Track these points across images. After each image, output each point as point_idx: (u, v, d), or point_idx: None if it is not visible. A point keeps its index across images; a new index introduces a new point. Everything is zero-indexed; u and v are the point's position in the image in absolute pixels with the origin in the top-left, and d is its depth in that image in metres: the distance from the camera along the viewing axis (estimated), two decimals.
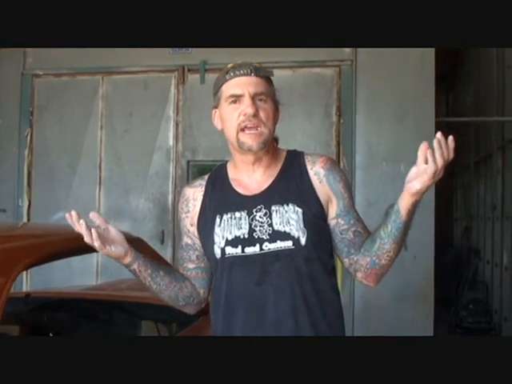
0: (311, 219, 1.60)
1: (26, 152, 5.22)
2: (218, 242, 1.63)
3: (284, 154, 1.71)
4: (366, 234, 1.61)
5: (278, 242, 1.59)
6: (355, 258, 1.61)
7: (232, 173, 1.72)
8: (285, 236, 1.59)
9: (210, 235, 1.66)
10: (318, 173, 1.65)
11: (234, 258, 1.61)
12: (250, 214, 1.63)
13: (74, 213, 1.49)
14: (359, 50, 4.70)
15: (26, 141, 5.22)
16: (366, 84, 4.74)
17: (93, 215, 1.54)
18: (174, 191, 5.02)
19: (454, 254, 8.34)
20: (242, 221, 1.63)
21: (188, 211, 1.74)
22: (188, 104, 5.01)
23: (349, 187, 1.67)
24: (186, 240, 1.74)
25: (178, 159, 5.04)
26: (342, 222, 1.63)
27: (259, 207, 1.63)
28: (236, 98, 1.59)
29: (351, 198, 1.66)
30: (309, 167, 1.66)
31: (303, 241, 1.58)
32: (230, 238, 1.62)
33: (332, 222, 1.62)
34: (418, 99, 4.64)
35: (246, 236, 1.61)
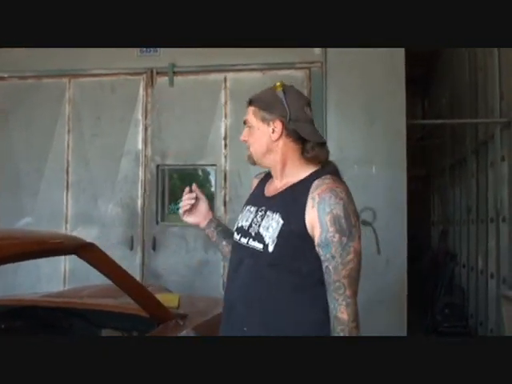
0: (286, 233, 1.74)
1: None
2: (235, 226, 1.95)
3: (308, 172, 1.83)
4: (335, 276, 1.69)
5: (256, 242, 1.80)
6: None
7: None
8: (260, 239, 1.79)
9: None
10: (313, 198, 1.73)
11: (235, 243, 1.92)
12: (256, 211, 1.88)
13: (194, 186, 2.06)
14: (329, 51, 4.66)
15: None
16: (337, 86, 4.69)
17: (194, 188, 2.05)
18: (143, 196, 4.93)
19: (431, 257, 8.33)
20: (251, 215, 1.89)
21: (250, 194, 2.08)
22: (157, 107, 4.93)
23: (338, 223, 1.69)
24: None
25: (147, 163, 4.95)
26: (321, 252, 1.71)
27: (263, 208, 1.86)
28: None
29: (340, 232, 1.69)
30: (311, 190, 1.75)
31: (271, 248, 1.75)
32: (239, 225, 1.92)
33: (317, 250, 1.72)
34: (389, 101, 4.61)
35: (246, 228, 1.88)
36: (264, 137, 1.82)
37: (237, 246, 1.89)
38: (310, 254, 1.72)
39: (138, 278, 4.78)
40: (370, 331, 4.31)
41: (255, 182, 2.04)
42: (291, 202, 1.77)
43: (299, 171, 1.83)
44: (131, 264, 4.72)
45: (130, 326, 2.73)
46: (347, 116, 4.68)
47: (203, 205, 2.09)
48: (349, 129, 4.67)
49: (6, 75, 5.11)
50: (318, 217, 1.70)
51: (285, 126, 1.81)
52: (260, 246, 1.78)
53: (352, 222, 1.70)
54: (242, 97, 1.80)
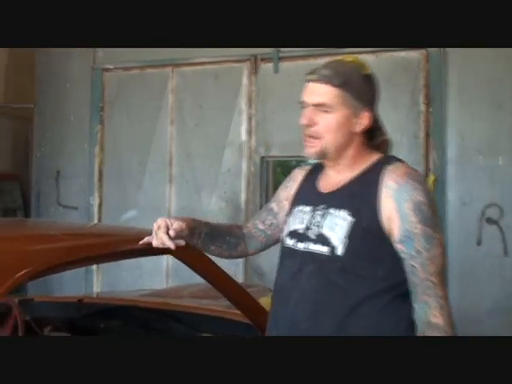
0: (359, 231, 1.52)
1: (97, 149, 5.10)
2: (285, 230, 1.70)
3: (374, 160, 1.63)
4: (422, 275, 1.48)
5: (318, 245, 1.58)
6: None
7: (326, 168, 1.72)
8: (325, 241, 1.57)
9: (285, 222, 1.73)
10: (388, 186, 1.53)
11: (289, 249, 1.67)
12: (313, 210, 1.64)
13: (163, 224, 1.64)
14: None
15: (97, 137, 5.10)
16: (457, 66, 4.21)
17: (174, 232, 1.63)
18: (246, 190, 4.72)
19: None
20: (306, 216, 1.65)
21: (287, 187, 1.83)
22: (261, 95, 4.69)
23: (420, 210, 1.49)
24: (273, 206, 1.85)
25: (251, 155, 4.72)
26: (402, 249, 1.50)
27: (322, 206, 1.62)
28: (303, 105, 1.61)
29: (423, 222, 1.49)
30: (383, 177, 1.55)
31: (340, 250, 1.53)
32: (291, 229, 1.67)
33: (396, 247, 1.51)
34: None
35: (301, 231, 1.63)
36: (346, 127, 1.58)
37: (291, 252, 1.65)
38: (388, 254, 1.51)
39: (240, 276, 4.60)
40: None
41: (297, 177, 1.80)
42: (360, 196, 1.56)
43: (364, 161, 1.63)
44: (234, 261, 4.53)
45: (230, 332, 2.52)
46: (469, 99, 4.19)
47: (180, 230, 1.66)
48: (472, 115, 4.18)
49: (111, 66, 5.08)
50: (395, 207, 1.50)
51: (371, 116, 1.61)
52: (325, 249, 1.55)
53: (435, 210, 1.52)
54: None
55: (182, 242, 1.65)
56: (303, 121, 1.57)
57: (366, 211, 1.52)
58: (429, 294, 1.47)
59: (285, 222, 1.73)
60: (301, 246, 1.61)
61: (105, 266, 4.70)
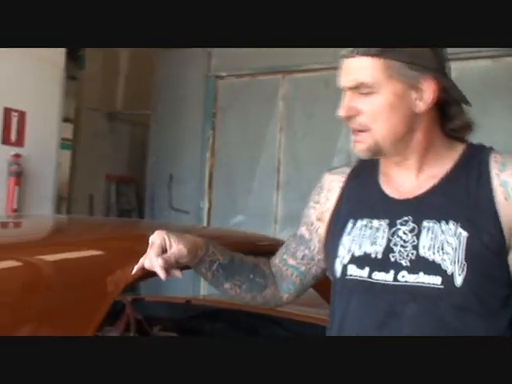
0: (479, 250, 1.12)
1: (208, 154, 5.22)
2: (342, 256, 1.24)
3: (461, 149, 1.23)
4: None
5: (421, 274, 1.14)
6: None
7: (384, 164, 1.27)
8: (433, 268, 1.13)
9: (336, 245, 1.26)
10: (506, 183, 1.15)
11: (358, 282, 1.20)
12: (392, 225, 1.20)
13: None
14: None
15: (209, 143, 5.22)
16: None
17: (162, 262, 1.19)
18: None
19: None
20: (380, 233, 1.21)
21: (318, 202, 1.37)
22: None
23: None
24: (304, 232, 1.38)
25: None
26: None
27: (406, 219, 1.19)
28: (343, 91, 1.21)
29: None
30: (494, 172, 1.17)
31: (459, 280, 1.11)
32: (357, 253, 1.22)
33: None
34: None
35: (380, 256, 1.19)
36: (402, 107, 1.16)
37: (366, 288, 1.19)
38: (503, 276, 1.14)
39: None
40: None
41: (333, 186, 1.35)
42: (466, 200, 1.16)
43: (444, 153, 1.22)
44: None
45: None
46: None
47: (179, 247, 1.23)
48: None
49: (224, 74, 5.20)
50: None
51: (438, 87, 1.16)
52: (435, 279, 1.12)
53: None
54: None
55: (178, 274, 1.23)
56: (340, 112, 1.19)
57: (483, 221, 1.14)
58: None
59: (327, 246, 1.31)
60: (381, 276, 1.17)
61: None
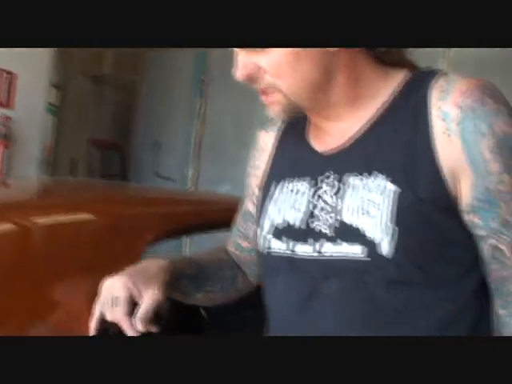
0: (414, 208, 0.88)
1: (197, 122, 5.18)
2: (265, 227, 1.02)
3: (401, 78, 0.96)
4: None
5: (345, 244, 0.91)
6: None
7: (312, 116, 1.03)
8: (356, 236, 0.90)
9: (261, 215, 1.04)
10: (446, 115, 0.88)
11: (281, 258, 0.99)
12: (314, 185, 0.98)
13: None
14: None
15: (200, 111, 5.18)
16: None
17: (142, 324, 0.97)
18: None
19: None
20: (302, 197, 0.98)
21: (255, 167, 1.15)
22: None
23: (507, 147, 0.86)
24: (249, 206, 1.18)
25: None
26: (479, 222, 0.88)
27: (329, 175, 0.96)
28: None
29: None
30: (433, 102, 0.89)
31: (388, 248, 0.87)
32: (279, 223, 1.00)
33: (466, 220, 0.90)
34: None
35: (301, 224, 0.96)
36: (307, 51, 0.91)
37: (287, 264, 0.98)
38: (458, 237, 0.90)
39: None
40: None
41: (266, 144, 1.13)
42: (399, 144, 0.91)
43: (380, 87, 0.96)
44: None
45: None
46: None
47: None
48: None
49: None
50: (463, 150, 0.86)
51: None
52: (357, 249, 0.89)
53: None
54: None
55: (154, 329, 0.98)
56: (237, 75, 0.96)
57: (418, 170, 0.88)
58: None
59: (259, 218, 1.07)
60: (303, 249, 0.95)
61: (196, 237, 4.81)
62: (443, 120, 0.88)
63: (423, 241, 0.89)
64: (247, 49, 0.94)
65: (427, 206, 0.88)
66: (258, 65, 0.94)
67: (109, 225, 1.38)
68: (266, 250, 1.02)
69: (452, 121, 0.87)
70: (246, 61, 0.95)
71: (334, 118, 0.99)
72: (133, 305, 0.97)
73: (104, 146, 5.81)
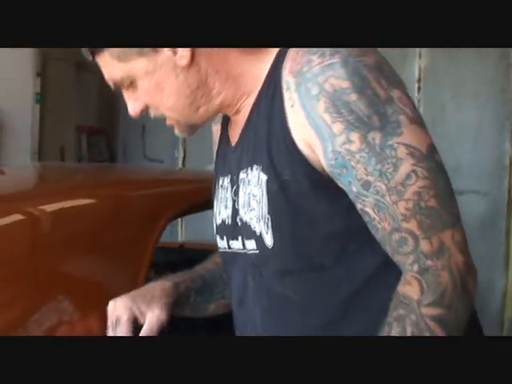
0: (281, 193, 0.86)
1: None
2: (214, 227, 1.05)
3: (269, 63, 0.93)
4: (386, 224, 0.81)
5: (245, 240, 0.95)
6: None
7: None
8: (248, 230, 0.93)
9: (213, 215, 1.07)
10: (289, 85, 0.85)
11: (226, 255, 1.03)
12: (231, 181, 0.99)
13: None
14: None
15: None
16: None
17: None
18: None
19: None
20: (227, 194, 1.00)
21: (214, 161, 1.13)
22: None
23: (344, 104, 0.80)
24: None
25: None
26: (344, 188, 0.85)
27: (234, 171, 1.00)
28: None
29: (356, 124, 0.80)
30: (283, 76, 0.87)
31: (269, 239, 0.88)
32: (218, 222, 1.03)
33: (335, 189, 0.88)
34: None
35: (230, 221, 0.99)
36: (167, 76, 0.93)
37: (233, 258, 1.01)
38: (339, 212, 0.87)
39: None
40: None
41: (216, 134, 1.14)
42: (264, 130, 0.90)
43: (253, 78, 0.95)
44: None
45: None
46: None
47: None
48: None
49: None
50: (306, 116, 0.83)
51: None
52: (253, 243, 0.92)
53: (380, 92, 0.80)
54: None
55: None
56: (132, 114, 1.01)
57: (278, 153, 0.86)
58: (405, 253, 0.81)
59: None
60: (237, 245, 0.98)
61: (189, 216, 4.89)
62: (287, 91, 0.86)
63: (296, 226, 0.86)
64: (123, 88, 0.98)
65: (294, 188, 0.85)
66: (140, 101, 0.98)
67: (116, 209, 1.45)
68: (219, 250, 1.05)
69: (292, 90, 0.85)
70: (131, 100, 0.99)
71: (233, 112, 0.99)
72: (136, 325, 1.00)
73: (91, 131, 5.84)
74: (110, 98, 5.82)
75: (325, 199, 0.86)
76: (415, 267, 0.79)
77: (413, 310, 0.78)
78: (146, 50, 0.92)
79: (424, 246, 0.80)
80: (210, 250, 2.90)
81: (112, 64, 0.95)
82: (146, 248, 1.29)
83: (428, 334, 0.78)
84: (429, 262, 0.79)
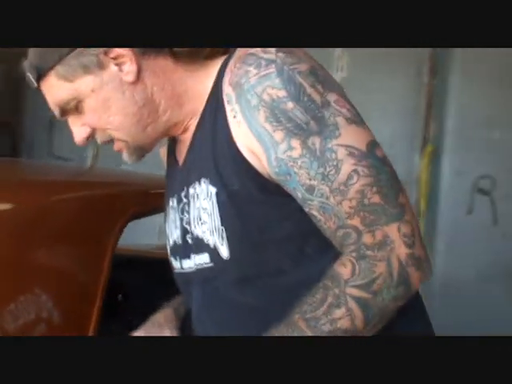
0: (231, 204, 0.88)
1: None
2: (168, 250, 1.06)
3: (214, 76, 0.94)
4: (331, 223, 0.83)
5: (200, 255, 0.95)
6: None
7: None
8: (200, 245, 0.94)
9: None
10: (229, 97, 0.88)
11: (179, 276, 1.04)
12: (179, 201, 1.00)
13: None
14: None
15: None
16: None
17: None
18: None
19: None
20: (176, 214, 1.01)
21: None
22: None
23: (281, 112, 0.83)
24: None
25: None
26: (292, 194, 0.87)
27: (183, 189, 0.99)
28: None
29: (294, 131, 0.83)
30: (223, 88, 0.89)
31: (225, 251, 0.89)
32: (170, 243, 1.04)
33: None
34: None
35: (180, 241, 1.00)
36: (117, 91, 0.93)
37: (186, 280, 1.03)
38: (293, 216, 0.89)
39: None
40: (481, 311, 4.04)
41: (163, 158, 1.15)
42: (207, 142, 0.92)
43: (200, 94, 0.96)
44: None
45: None
46: (472, 72, 4.25)
47: None
48: (473, 86, 4.26)
49: None
50: (248, 127, 0.85)
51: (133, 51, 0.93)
52: (206, 257, 0.93)
53: (316, 97, 0.83)
54: None
55: None
56: (77, 142, 1.02)
57: (225, 165, 0.89)
58: (349, 245, 0.83)
59: None
60: (188, 264, 0.99)
61: None
62: (228, 103, 0.88)
63: (250, 233, 0.89)
64: (67, 113, 0.98)
65: (243, 197, 0.88)
66: (86, 125, 0.98)
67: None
68: (174, 271, 1.06)
69: (233, 102, 0.87)
70: (75, 126, 0.99)
71: (180, 131, 1.00)
72: None
73: None
74: (17, 90, 5.52)
75: (275, 204, 0.89)
76: (354, 253, 0.83)
77: (339, 285, 0.82)
78: (92, 66, 0.92)
79: (366, 238, 0.83)
80: (129, 255, 2.81)
81: (58, 85, 0.95)
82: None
83: (344, 309, 0.81)
84: (368, 252, 0.82)
